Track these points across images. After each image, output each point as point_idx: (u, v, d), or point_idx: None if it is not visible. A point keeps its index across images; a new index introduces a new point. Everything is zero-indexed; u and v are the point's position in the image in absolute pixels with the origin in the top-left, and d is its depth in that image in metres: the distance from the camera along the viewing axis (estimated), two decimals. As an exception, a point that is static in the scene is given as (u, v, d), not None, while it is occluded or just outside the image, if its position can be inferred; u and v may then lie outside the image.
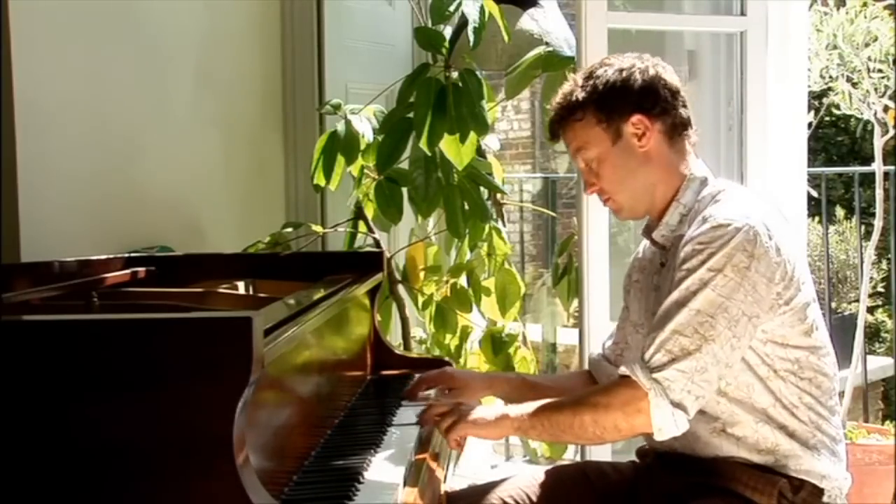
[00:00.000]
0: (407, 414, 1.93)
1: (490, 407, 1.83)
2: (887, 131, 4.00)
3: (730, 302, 1.66)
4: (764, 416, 1.75)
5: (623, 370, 1.70)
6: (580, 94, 1.84)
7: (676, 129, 1.85)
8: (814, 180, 4.11)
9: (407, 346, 3.04)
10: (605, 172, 1.85)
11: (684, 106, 1.87)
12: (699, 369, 1.65)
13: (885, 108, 4.00)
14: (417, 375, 2.18)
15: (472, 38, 2.70)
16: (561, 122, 1.88)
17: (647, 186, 1.85)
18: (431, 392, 2.05)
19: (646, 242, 1.98)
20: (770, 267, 1.69)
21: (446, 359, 2.39)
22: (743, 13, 2.89)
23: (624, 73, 1.83)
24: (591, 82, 1.84)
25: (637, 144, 1.83)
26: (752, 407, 1.75)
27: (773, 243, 1.70)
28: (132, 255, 2.32)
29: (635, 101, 1.82)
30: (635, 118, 1.82)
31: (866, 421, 4.30)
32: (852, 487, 1.83)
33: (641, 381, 1.66)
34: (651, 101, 1.83)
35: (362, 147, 2.89)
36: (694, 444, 1.78)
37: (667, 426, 1.66)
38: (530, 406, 1.77)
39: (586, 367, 2.18)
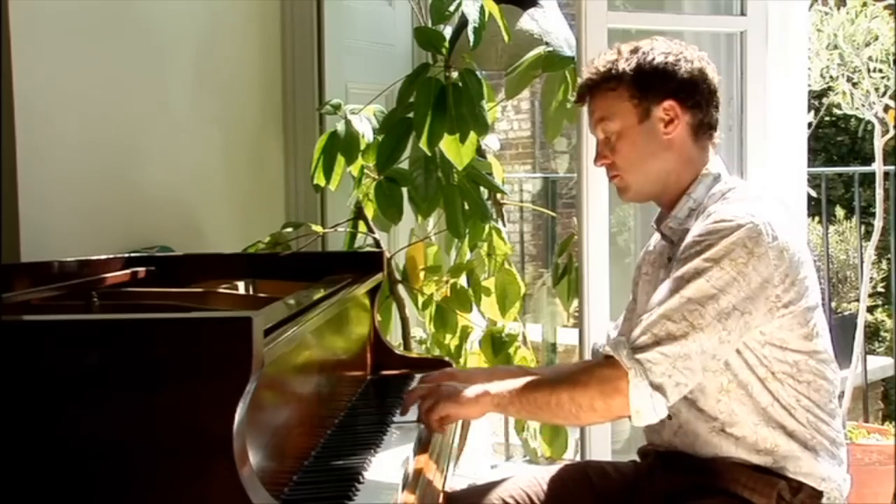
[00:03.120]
0: (407, 414, 1.93)
1: (471, 386, 1.80)
2: (887, 131, 4.00)
3: (722, 294, 1.66)
4: (764, 416, 1.74)
5: (607, 350, 1.70)
6: (621, 65, 1.82)
7: (703, 127, 1.85)
8: (814, 180, 4.11)
9: (407, 346, 3.04)
10: (622, 149, 1.84)
11: (716, 108, 1.87)
12: (682, 356, 1.64)
13: (886, 108, 4.00)
14: (418, 376, 2.17)
15: (472, 38, 2.70)
16: (593, 86, 1.86)
17: (661, 173, 1.85)
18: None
19: (657, 236, 1.98)
20: (769, 268, 1.68)
21: (446, 359, 2.39)
22: (743, 13, 2.89)
23: (671, 59, 1.82)
24: (635, 57, 1.83)
25: (662, 130, 1.82)
26: (751, 407, 1.74)
27: (777, 244, 1.69)
28: (132, 255, 2.32)
29: (673, 89, 1.81)
30: (667, 104, 1.81)
31: (866, 421, 4.30)
32: (852, 488, 1.83)
33: (623, 361, 1.65)
34: (688, 92, 1.82)
35: (362, 147, 2.89)
36: (694, 442, 1.78)
37: (644, 409, 1.65)
38: (512, 383, 1.76)
39: (588, 356, 2.17)
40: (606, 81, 1.84)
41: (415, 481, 1.57)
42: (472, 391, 1.77)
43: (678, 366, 1.65)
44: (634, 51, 1.84)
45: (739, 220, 1.69)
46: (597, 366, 1.73)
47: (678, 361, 1.65)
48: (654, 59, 1.82)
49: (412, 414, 1.88)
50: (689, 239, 1.73)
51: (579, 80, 1.92)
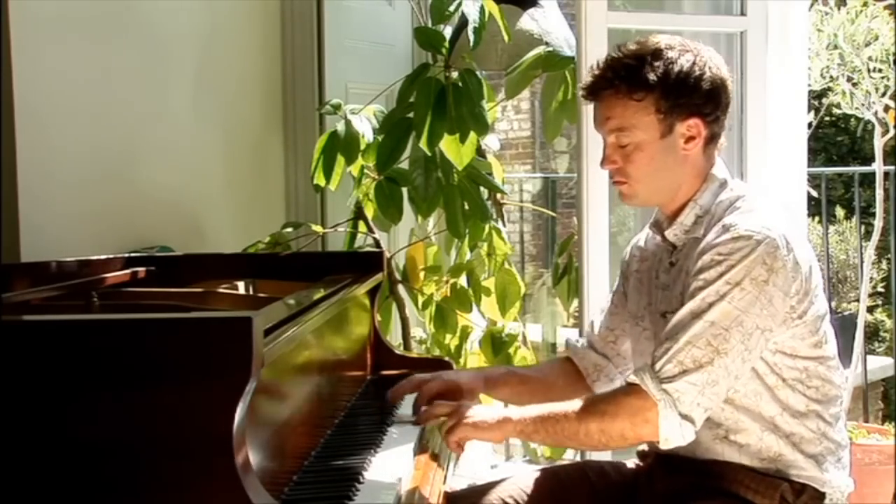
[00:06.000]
0: (407, 414, 1.93)
1: (491, 408, 1.81)
2: (887, 131, 4.00)
3: (745, 315, 1.64)
4: (771, 424, 1.74)
5: (632, 378, 1.68)
6: (649, 75, 1.73)
7: (716, 138, 1.81)
8: (814, 180, 4.11)
9: (407, 346, 3.04)
10: (639, 161, 1.78)
11: (727, 118, 1.82)
12: (710, 382, 1.64)
13: (886, 108, 4.00)
14: (414, 375, 2.17)
15: (472, 38, 2.70)
16: (612, 90, 1.76)
17: (672, 185, 1.81)
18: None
19: (648, 232, 1.96)
20: (787, 280, 1.67)
21: (446, 359, 2.39)
22: (743, 13, 2.89)
23: (696, 67, 1.74)
24: (661, 65, 1.73)
25: (682, 146, 1.77)
26: (759, 415, 1.74)
27: (792, 256, 1.68)
28: (132, 255, 2.32)
29: (699, 104, 1.75)
30: (692, 121, 1.76)
31: (866, 421, 4.29)
32: (854, 489, 1.82)
33: (651, 392, 1.64)
34: (712, 106, 1.76)
35: (362, 147, 2.89)
36: (695, 448, 1.77)
37: (673, 436, 1.65)
38: (533, 410, 1.75)
39: (560, 352, 2.15)
40: (632, 89, 1.74)
41: (410, 494, 1.55)
42: (492, 415, 1.76)
43: (706, 392, 1.64)
44: (657, 55, 1.74)
45: (757, 235, 1.66)
46: (623, 395, 1.69)
47: (706, 388, 1.64)
48: (681, 68, 1.73)
49: (412, 417, 1.89)
50: (706, 256, 1.69)
51: (590, 74, 1.82)
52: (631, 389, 1.68)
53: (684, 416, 1.64)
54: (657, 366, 1.66)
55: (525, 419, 1.74)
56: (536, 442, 1.86)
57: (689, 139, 1.77)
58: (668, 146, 1.77)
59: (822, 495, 1.75)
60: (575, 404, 1.73)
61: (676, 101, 1.74)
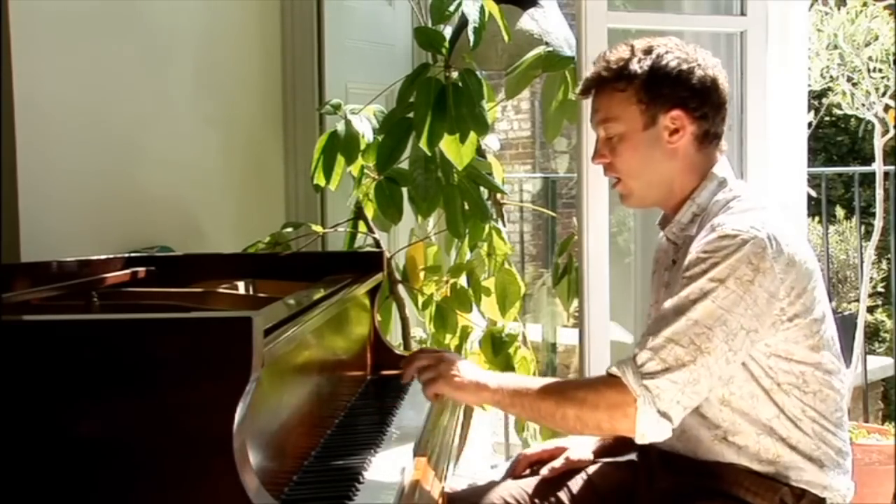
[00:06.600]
0: (407, 414, 1.93)
1: (473, 369, 1.79)
2: (887, 131, 4.00)
3: (729, 315, 1.63)
4: (767, 427, 1.73)
5: (614, 370, 1.67)
6: (634, 66, 1.77)
7: (709, 137, 1.80)
8: (814, 180, 4.11)
9: (407, 346, 3.04)
10: (624, 153, 1.80)
11: (723, 120, 1.82)
12: (691, 381, 1.62)
13: (886, 108, 4.00)
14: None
15: (472, 38, 2.70)
16: (600, 83, 1.81)
17: (663, 180, 1.81)
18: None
19: (662, 233, 1.97)
20: (775, 282, 1.65)
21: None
22: (743, 13, 2.89)
23: (685, 66, 1.76)
24: (649, 59, 1.77)
25: (667, 139, 1.78)
26: (755, 418, 1.73)
27: (783, 257, 1.66)
28: (132, 255, 2.32)
29: (684, 97, 1.76)
30: (675, 112, 1.76)
31: (866, 421, 4.29)
32: (855, 492, 1.82)
33: (632, 387, 1.63)
34: (698, 101, 1.77)
35: (362, 147, 2.89)
36: (696, 448, 1.77)
37: (650, 433, 1.64)
38: (512, 381, 1.76)
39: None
40: (616, 80, 1.78)
41: (410, 494, 1.55)
42: (471, 377, 1.76)
43: (686, 391, 1.63)
44: (648, 51, 1.78)
45: (743, 234, 1.65)
46: (604, 387, 1.67)
47: (687, 387, 1.63)
48: (668, 63, 1.76)
49: (412, 417, 1.89)
50: (693, 254, 1.69)
51: (587, 73, 1.86)
52: (612, 381, 1.66)
53: (662, 414, 1.63)
54: (639, 360, 1.64)
55: (502, 390, 1.73)
56: (511, 413, 1.87)
57: (674, 132, 1.78)
58: (652, 138, 1.78)
59: (822, 500, 1.74)
60: (555, 386, 1.72)
61: (659, 91, 1.76)
